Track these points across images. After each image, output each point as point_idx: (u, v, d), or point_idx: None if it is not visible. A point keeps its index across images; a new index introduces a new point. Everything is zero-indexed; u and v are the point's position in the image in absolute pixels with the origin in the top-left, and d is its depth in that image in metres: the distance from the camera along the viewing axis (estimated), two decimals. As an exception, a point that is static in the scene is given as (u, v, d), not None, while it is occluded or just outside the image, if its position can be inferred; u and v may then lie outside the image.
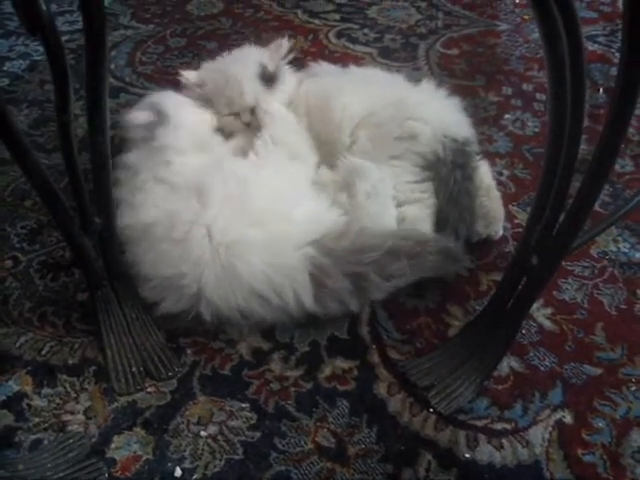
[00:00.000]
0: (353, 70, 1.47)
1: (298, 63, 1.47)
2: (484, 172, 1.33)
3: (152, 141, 1.23)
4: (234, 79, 1.32)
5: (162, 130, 1.23)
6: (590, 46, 1.94)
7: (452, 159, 1.23)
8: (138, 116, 1.27)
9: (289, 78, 1.39)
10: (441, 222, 1.23)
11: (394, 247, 1.12)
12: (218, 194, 1.13)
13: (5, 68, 1.90)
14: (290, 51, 1.40)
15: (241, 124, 1.33)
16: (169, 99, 1.31)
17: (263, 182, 1.17)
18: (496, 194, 1.33)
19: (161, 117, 1.24)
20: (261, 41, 1.93)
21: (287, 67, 1.40)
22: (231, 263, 1.09)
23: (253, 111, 1.32)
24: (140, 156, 1.24)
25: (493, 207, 1.30)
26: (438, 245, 1.16)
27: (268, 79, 1.34)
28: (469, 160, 1.27)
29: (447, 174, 1.23)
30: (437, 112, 1.29)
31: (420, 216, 1.23)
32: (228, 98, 1.32)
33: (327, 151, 1.30)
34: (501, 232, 1.31)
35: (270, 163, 1.22)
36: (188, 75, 1.37)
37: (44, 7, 0.76)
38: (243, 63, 1.36)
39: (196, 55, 1.93)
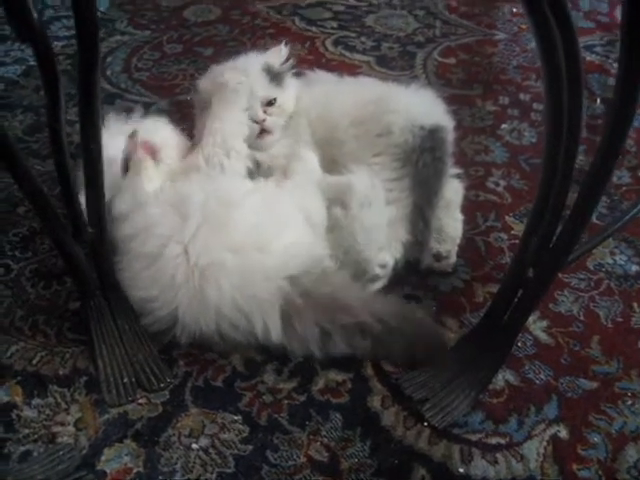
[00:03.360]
0: (349, 79, 1.48)
1: (295, 71, 1.46)
2: (453, 189, 1.33)
3: None
4: (242, 73, 1.31)
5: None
6: (587, 56, 1.94)
7: (420, 144, 1.24)
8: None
9: (294, 85, 1.40)
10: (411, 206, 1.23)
11: (366, 324, 1.08)
12: (198, 211, 1.12)
13: (0, 73, 1.89)
14: (289, 57, 1.39)
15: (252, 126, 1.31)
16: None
17: (248, 208, 1.15)
18: (458, 216, 1.32)
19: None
20: (258, 48, 1.95)
21: (291, 73, 1.41)
22: (202, 286, 1.08)
23: (269, 103, 1.33)
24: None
25: (449, 224, 1.29)
26: (411, 327, 1.11)
27: (274, 76, 1.34)
28: (439, 144, 1.26)
29: (416, 158, 1.23)
30: (407, 102, 1.30)
31: (398, 217, 1.23)
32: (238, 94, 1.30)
33: (329, 155, 1.30)
34: (453, 259, 1.28)
35: (262, 190, 1.21)
36: (202, 84, 1.36)
37: (35, 15, 0.76)
38: (248, 62, 1.37)
39: (192, 62, 1.93)
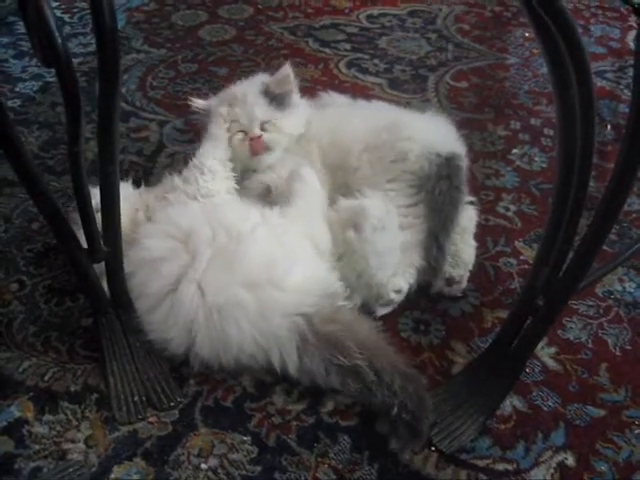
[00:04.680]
0: (361, 102, 1.49)
1: (308, 92, 1.47)
2: (468, 216, 1.33)
3: None
4: (240, 94, 1.33)
5: None
6: (598, 82, 1.94)
7: (436, 171, 1.25)
8: None
9: (304, 107, 1.40)
10: (426, 232, 1.24)
11: (359, 368, 1.07)
12: (207, 246, 1.12)
13: (17, 89, 1.91)
14: (294, 78, 1.39)
15: (246, 148, 1.32)
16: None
17: (258, 241, 1.15)
18: (471, 242, 1.33)
19: None
20: (271, 69, 1.97)
21: (298, 95, 1.41)
22: (223, 326, 1.08)
23: (263, 126, 1.33)
24: None
25: (464, 250, 1.30)
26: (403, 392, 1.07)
27: (273, 98, 1.34)
28: (455, 172, 1.28)
29: (432, 186, 1.24)
30: (423, 129, 1.31)
31: (412, 242, 1.23)
32: (235, 114, 1.32)
33: (341, 180, 1.32)
34: (464, 284, 1.29)
35: (268, 220, 1.21)
36: (197, 102, 1.38)
37: (60, 40, 0.78)
38: (248, 83, 1.39)
39: (207, 81, 1.94)
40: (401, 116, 1.38)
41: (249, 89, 1.35)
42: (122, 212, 1.05)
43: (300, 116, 1.38)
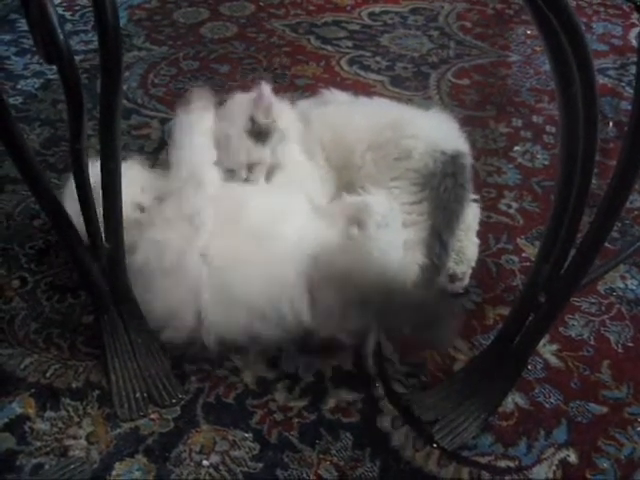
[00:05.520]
0: (363, 100, 1.48)
1: (310, 90, 1.47)
2: (472, 214, 1.33)
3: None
4: (223, 137, 1.29)
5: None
6: (600, 79, 1.94)
7: (442, 169, 1.24)
8: None
9: (286, 116, 1.34)
10: (430, 230, 1.24)
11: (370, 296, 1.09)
12: (210, 215, 1.13)
13: (19, 86, 1.91)
14: (274, 100, 1.32)
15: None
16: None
17: (258, 201, 1.17)
18: (474, 240, 1.32)
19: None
20: (273, 66, 1.98)
21: (281, 106, 1.35)
22: (229, 284, 1.08)
23: (250, 168, 1.28)
24: None
25: (468, 247, 1.30)
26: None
27: (258, 133, 1.28)
28: (460, 170, 1.27)
29: (437, 183, 1.24)
30: (427, 127, 1.31)
31: (415, 240, 1.23)
32: (220, 158, 1.28)
33: (345, 178, 1.31)
34: (466, 281, 1.29)
35: (268, 189, 1.24)
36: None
37: (62, 36, 0.77)
38: (232, 120, 1.31)
39: (209, 78, 1.94)
40: (404, 113, 1.38)
41: (231, 129, 1.29)
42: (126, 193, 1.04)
43: (290, 142, 1.33)
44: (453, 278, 1.27)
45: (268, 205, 1.17)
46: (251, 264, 1.09)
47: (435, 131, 1.30)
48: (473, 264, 1.30)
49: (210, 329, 1.09)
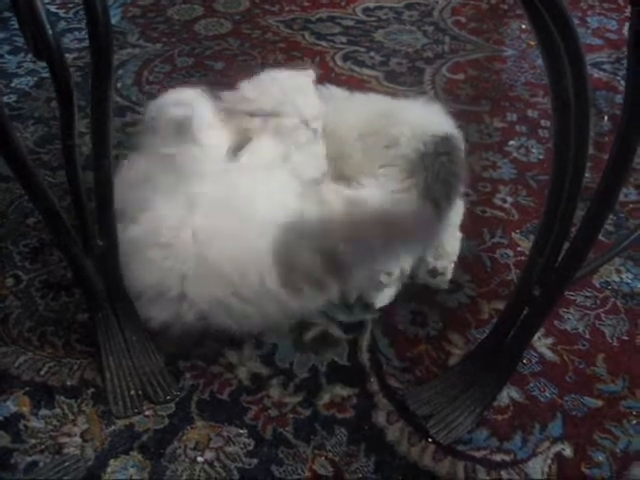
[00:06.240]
0: (357, 95, 1.48)
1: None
2: (455, 208, 1.32)
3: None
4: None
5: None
6: (595, 73, 1.94)
7: (434, 149, 1.24)
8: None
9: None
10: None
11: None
12: (205, 200, 1.12)
13: (13, 84, 1.90)
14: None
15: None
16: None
17: (244, 180, 1.15)
18: (457, 234, 1.32)
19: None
20: (267, 62, 1.97)
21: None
22: (205, 253, 1.07)
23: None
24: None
25: (448, 242, 1.29)
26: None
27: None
28: (454, 150, 1.27)
29: (431, 161, 1.23)
30: (416, 114, 1.31)
31: None
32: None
33: (339, 170, 1.30)
34: (449, 277, 1.28)
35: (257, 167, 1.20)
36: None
37: (50, 32, 0.77)
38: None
39: (203, 75, 1.94)
40: (394, 104, 1.38)
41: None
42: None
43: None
44: (434, 273, 1.26)
45: (251, 183, 1.15)
46: (228, 239, 1.08)
47: (424, 117, 1.30)
48: (455, 259, 1.29)
49: (191, 304, 1.08)
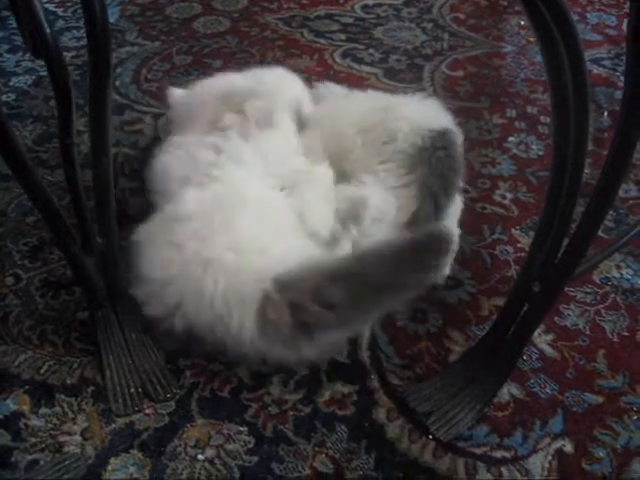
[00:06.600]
0: (356, 92, 1.48)
1: (304, 83, 1.47)
2: (452, 210, 1.30)
3: None
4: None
5: None
6: (595, 69, 1.94)
7: (431, 144, 1.24)
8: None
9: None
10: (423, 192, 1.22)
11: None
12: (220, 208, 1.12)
13: (11, 83, 1.90)
14: None
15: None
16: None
17: (252, 212, 1.13)
18: (455, 229, 1.30)
19: None
20: (266, 60, 1.97)
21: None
22: (203, 279, 1.05)
23: None
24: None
25: None
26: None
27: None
28: (452, 144, 1.27)
29: (429, 155, 1.23)
30: (414, 109, 1.31)
31: (403, 222, 1.21)
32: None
33: (339, 167, 1.30)
34: (447, 272, 1.26)
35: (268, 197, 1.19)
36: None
37: (48, 30, 0.77)
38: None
39: (202, 73, 1.93)
40: (392, 99, 1.39)
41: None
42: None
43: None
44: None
45: (264, 219, 1.14)
46: (225, 266, 1.06)
47: (421, 112, 1.30)
48: (453, 254, 1.27)
49: (183, 316, 1.06)
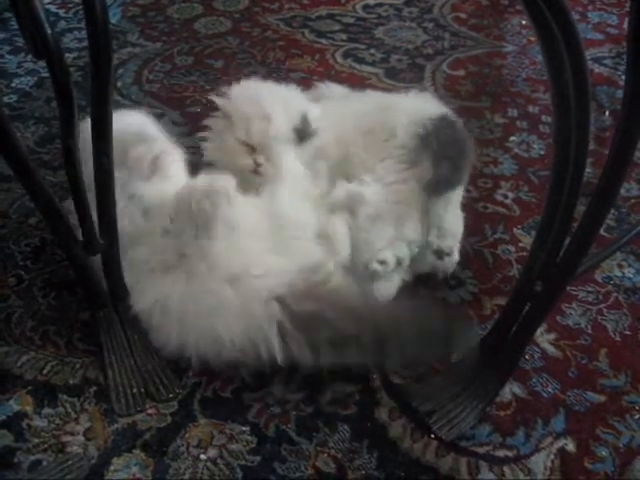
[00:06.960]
0: (356, 93, 1.48)
1: (304, 83, 1.47)
2: (455, 193, 1.29)
3: None
4: (272, 114, 1.25)
5: None
6: (596, 68, 1.94)
7: (434, 128, 1.24)
8: None
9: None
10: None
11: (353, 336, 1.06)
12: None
13: (13, 84, 1.91)
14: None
15: (247, 163, 1.25)
16: None
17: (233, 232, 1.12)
18: (458, 212, 1.29)
19: None
20: (267, 60, 1.97)
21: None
22: (213, 325, 1.06)
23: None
24: None
25: (449, 220, 1.26)
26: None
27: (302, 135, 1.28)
28: (454, 124, 1.28)
29: (435, 135, 1.23)
30: (412, 103, 1.32)
31: (403, 217, 1.21)
32: (254, 130, 1.24)
33: (344, 173, 1.30)
34: (456, 258, 1.26)
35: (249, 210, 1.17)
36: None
37: (49, 31, 0.77)
38: (284, 104, 1.29)
39: (203, 74, 1.94)
40: (389, 97, 1.40)
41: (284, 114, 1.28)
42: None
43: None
44: (440, 254, 1.24)
45: (244, 237, 1.13)
46: (230, 305, 1.07)
47: (418, 104, 1.31)
48: (459, 237, 1.27)
49: (193, 349, 1.09)
